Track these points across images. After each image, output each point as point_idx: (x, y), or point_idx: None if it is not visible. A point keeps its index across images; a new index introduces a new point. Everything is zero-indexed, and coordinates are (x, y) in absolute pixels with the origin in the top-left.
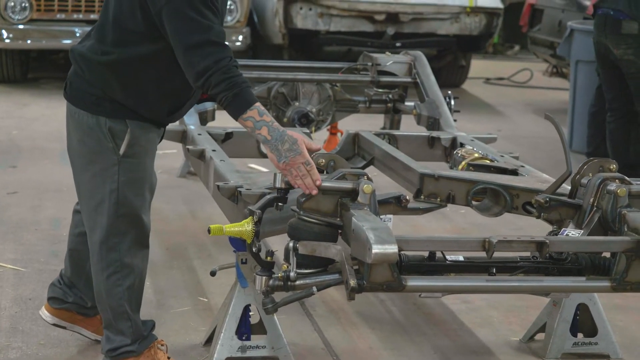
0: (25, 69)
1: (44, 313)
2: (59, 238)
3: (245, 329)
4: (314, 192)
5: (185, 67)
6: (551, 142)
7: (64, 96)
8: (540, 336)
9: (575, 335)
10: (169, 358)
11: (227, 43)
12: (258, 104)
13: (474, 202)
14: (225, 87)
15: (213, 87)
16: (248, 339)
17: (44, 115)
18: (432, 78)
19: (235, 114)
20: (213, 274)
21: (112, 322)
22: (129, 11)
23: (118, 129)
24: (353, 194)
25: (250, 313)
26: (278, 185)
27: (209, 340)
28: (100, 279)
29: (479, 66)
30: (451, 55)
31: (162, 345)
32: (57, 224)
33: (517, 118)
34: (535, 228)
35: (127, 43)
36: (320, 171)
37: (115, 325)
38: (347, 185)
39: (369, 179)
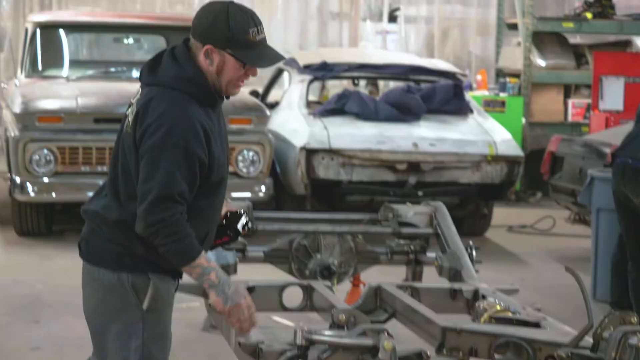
0: (50, 222)
1: None
2: None
3: None
4: (250, 332)
5: (141, 212)
6: (574, 291)
7: (81, 256)
8: None
9: None
10: None
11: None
12: (203, 251)
13: (496, 356)
14: (176, 238)
15: (163, 238)
16: None
17: (69, 269)
18: (453, 229)
19: (184, 262)
20: None
21: None
22: (131, 159)
23: (141, 283)
24: (374, 350)
25: None
26: (298, 342)
27: None
28: None
29: (501, 214)
30: (473, 204)
31: None
32: None
33: (540, 266)
34: None
35: (135, 195)
36: (341, 327)
37: None
38: (368, 341)
39: (389, 335)
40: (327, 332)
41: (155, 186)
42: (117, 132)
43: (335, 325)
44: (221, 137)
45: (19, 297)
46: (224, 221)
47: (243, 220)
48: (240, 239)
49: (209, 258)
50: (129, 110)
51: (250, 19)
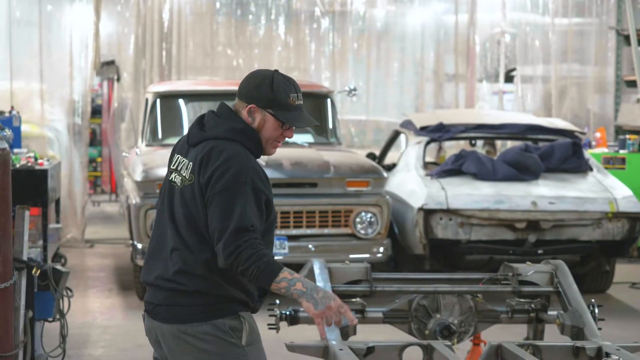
0: None
1: None
2: None
3: None
4: (355, 322)
5: (219, 247)
6: None
7: (166, 321)
8: None
9: None
10: None
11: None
12: (284, 267)
13: None
14: (255, 259)
15: (243, 263)
16: None
17: None
18: (575, 287)
19: (269, 280)
20: None
21: None
22: (194, 206)
23: (236, 323)
24: None
25: None
26: None
27: None
28: None
29: (623, 270)
30: (595, 261)
31: None
32: None
33: None
34: None
35: (207, 239)
36: None
37: None
38: None
39: None
40: None
41: (232, 222)
42: (163, 200)
43: None
44: None
45: None
46: None
47: None
48: (359, 299)
49: (291, 271)
50: (173, 175)
51: (292, 85)
